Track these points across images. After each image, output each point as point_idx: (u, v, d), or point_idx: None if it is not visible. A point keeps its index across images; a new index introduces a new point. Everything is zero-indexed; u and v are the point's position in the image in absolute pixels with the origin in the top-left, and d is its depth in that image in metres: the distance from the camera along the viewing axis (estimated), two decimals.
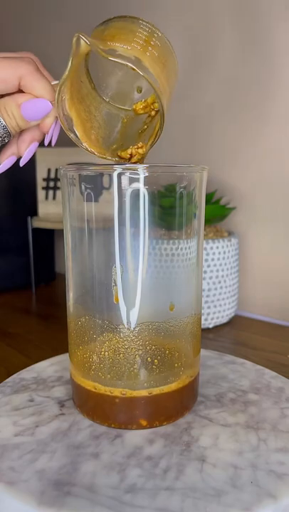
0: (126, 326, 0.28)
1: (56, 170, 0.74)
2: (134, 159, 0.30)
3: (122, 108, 0.31)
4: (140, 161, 0.30)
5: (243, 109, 0.61)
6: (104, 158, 0.31)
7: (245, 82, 0.60)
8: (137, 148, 0.29)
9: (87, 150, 0.30)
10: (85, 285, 0.30)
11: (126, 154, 0.30)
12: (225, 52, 0.62)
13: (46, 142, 0.31)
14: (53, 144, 0.31)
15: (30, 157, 0.31)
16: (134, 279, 0.28)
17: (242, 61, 0.60)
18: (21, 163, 0.31)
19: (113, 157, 0.30)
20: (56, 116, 0.29)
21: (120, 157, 0.30)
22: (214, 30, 0.63)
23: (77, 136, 0.29)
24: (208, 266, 0.53)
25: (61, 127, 0.30)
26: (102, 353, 0.29)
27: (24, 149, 0.31)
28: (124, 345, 0.28)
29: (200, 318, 0.32)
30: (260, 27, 0.58)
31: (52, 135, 0.30)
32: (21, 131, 0.30)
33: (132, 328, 0.28)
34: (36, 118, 0.29)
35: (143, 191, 0.27)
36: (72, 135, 0.29)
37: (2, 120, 0.29)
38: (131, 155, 0.30)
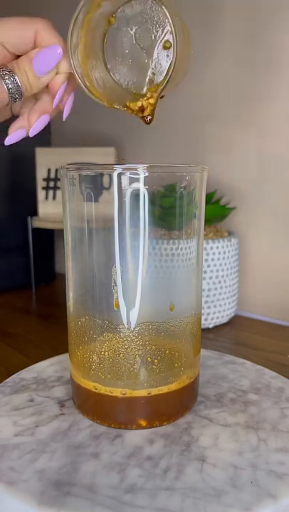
0: (126, 326, 0.28)
1: (56, 170, 0.74)
2: (147, 111, 0.30)
3: (135, 93, 0.31)
4: (152, 113, 0.30)
5: (244, 108, 0.61)
6: (113, 107, 0.31)
7: (247, 81, 0.60)
8: (147, 99, 0.29)
9: (96, 100, 0.30)
10: (85, 285, 0.30)
11: (135, 106, 0.30)
12: (227, 50, 0.62)
13: (55, 104, 0.30)
14: (64, 116, 0.31)
15: (40, 129, 0.31)
16: (134, 279, 0.28)
17: (244, 59, 0.60)
18: (31, 134, 0.31)
19: (122, 107, 0.30)
20: (67, 75, 0.29)
21: (128, 108, 0.30)
22: (216, 27, 0.63)
23: (87, 87, 0.30)
24: (208, 266, 0.53)
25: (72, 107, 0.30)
26: (102, 353, 0.29)
27: (34, 120, 0.31)
28: (124, 345, 0.28)
29: (200, 318, 0.32)
30: (265, 23, 0.58)
31: (60, 98, 0.30)
32: (33, 102, 0.30)
33: (132, 328, 0.28)
34: (47, 69, 0.29)
35: (143, 191, 0.27)
36: (82, 84, 0.29)
37: (16, 77, 0.29)
38: (142, 108, 0.29)
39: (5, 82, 0.29)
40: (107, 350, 0.29)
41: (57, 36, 0.29)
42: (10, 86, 0.29)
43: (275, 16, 0.56)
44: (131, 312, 0.28)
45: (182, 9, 0.29)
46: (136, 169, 0.26)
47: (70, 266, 0.30)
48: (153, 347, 0.29)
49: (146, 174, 0.27)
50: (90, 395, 0.30)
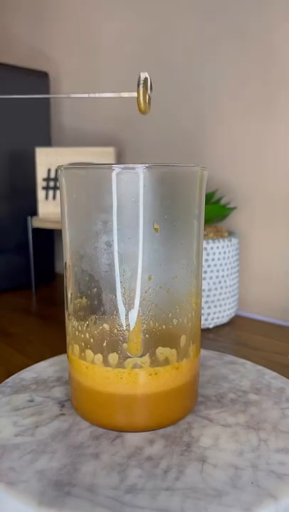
0: (125, 327, 0.28)
1: (56, 170, 0.74)
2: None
3: None
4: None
5: (245, 108, 0.61)
6: None
7: (248, 81, 0.60)
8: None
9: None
10: (83, 286, 0.30)
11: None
12: (228, 51, 0.62)
13: None
14: None
15: None
16: (134, 280, 0.28)
17: (245, 59, 0.60)
18: None
19: None
20: None
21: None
22: (218, 27, 0.63)
23: None
24: (209, 266, 0.53)
25: None
26: (101, 354, 0.29)
27: None
28: (123, 346, 0.28)
29: (200, 318, 0.32)
30: (263, 25, 0.58)
31: None
32: None
33: (131, 329, 0.28)
34: None
35: (143, 191, 0.27)
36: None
37: None
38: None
39: None
40: (106, 351, 0.29)
41: None
42: None
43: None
44: (130, 313, 0.28)
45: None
46: (135, 169, 0.26)
47: (69, 266, 0.30)
48: (152, 348, 0.29)
49: (146, 174, 0.26)
50: (88, 396, 0.30)
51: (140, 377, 0.29)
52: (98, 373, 0.29)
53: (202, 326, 0.55)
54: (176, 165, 0.28)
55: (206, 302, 0.54)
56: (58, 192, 0.75)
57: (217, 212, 0.59)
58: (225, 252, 0.54)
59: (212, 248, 0.53)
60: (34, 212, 0.76)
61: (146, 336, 0.28)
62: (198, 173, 0.29)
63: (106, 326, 0.28)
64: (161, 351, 0.29)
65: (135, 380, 0.29)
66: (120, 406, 0.29)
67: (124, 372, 0.29)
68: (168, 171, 0.28)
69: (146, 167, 0.26)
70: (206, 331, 0.55)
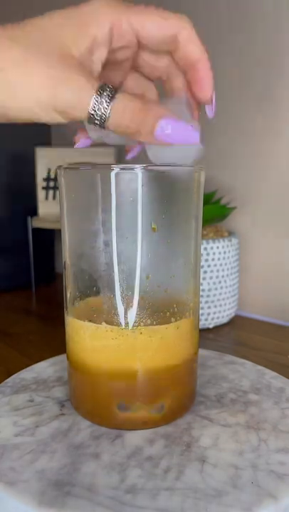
0: (124, 326, 0.28)
1: (56, 170, 0.74)
2: None
3: None
4: None
5: (245, 108, 0.61)
6: None
7: (247, 81, 0.60)
8: None
9: None
10: (82, 285, 0.30)
11: None
12: (227, 49, 0.62)
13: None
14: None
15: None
16: (132, 280, 0.28)
17: (244, 59, 0.60)
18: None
19: None
20: None
21: None
22: (220, 29, 0.63)
23: None
24: (209, 266, 0.53)
25: None
26: (100, 354, 0.29)
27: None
28: (121, 346, 0.28)
29: (198, 318, 0.32)
30: (265, 26, 0.58)
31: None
32: None
33: (130, 329, 0.28)
34: (170, 141, 0.23)
35: (141, 191, 0.27)
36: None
37: (111, 104, 0.21)
38: None
39: (98, 101, 0.22)
40: (104, 351, 0.29)
41: (202, 50, 0.24)
42: (97, 110, 0.22)
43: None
44: (129, 313, 0.28)
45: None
46: (133, 169, 0.26)
47: (68, 266, 0.30)
48: (151, 348, 0.29)
49: (144, 174, 0.26)
50: (87, 396, 0.30)
51: (139, 375, 0.29)
52: (97, 372, 0.29)
53: (202, 326, 0.55)
54: (174, 165, 0.28)
55: (206, 302, 0.54)
56: (58, 192, 0.75)
57: (217, 212, 0.59)
58: (225, 252, 0.54)
59: (212, 248, 0.53)
60: (34, 212, 0.76)
61: (144, 335, 0.28)
62: (196, 173, 0.29)
63: (105, 324, 0.28)
64: (160, 350, 0.29)
65: (134, 379, 0.28)
66: (120, 405, 0.29)
67: (123, 370, 0.29)
68: (166, 171, 0.28)
69: (145, 167, 0.26)
70: (206, 330, 0.55)
